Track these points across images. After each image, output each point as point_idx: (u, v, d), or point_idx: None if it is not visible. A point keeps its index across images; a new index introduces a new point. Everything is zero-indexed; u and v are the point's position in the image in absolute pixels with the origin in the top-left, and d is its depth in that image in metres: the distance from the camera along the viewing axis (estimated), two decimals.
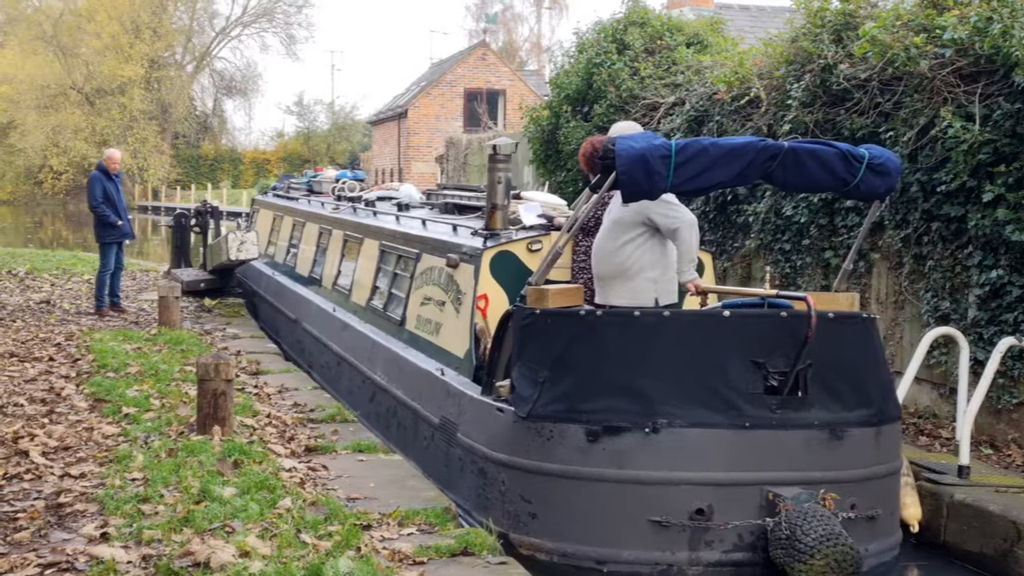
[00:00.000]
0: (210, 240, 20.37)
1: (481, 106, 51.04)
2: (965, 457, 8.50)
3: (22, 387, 10.70)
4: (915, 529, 8.38)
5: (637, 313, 7.63)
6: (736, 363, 7.39)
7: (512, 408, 7.77)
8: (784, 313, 7.60)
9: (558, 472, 7.45)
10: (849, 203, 11.44)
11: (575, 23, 70.85)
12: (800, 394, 7.45)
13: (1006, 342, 8.65)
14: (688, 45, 16.84)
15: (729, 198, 13.61)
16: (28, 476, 7.63)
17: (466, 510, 8.13)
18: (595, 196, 7.97)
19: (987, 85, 9.72)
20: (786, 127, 12.10)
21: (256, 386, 11.29)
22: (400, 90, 66.86)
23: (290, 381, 11.80)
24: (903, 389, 9.22)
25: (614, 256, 8.25)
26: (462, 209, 11.93)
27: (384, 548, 6.46)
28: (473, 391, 8.68)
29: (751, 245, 13.22)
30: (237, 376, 10.72)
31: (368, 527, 6.84)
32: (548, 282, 8.24)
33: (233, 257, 17.33)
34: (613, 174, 7.43)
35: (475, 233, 9.91)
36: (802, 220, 12.15)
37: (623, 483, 7.29)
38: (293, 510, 6.90)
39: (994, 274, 9.61)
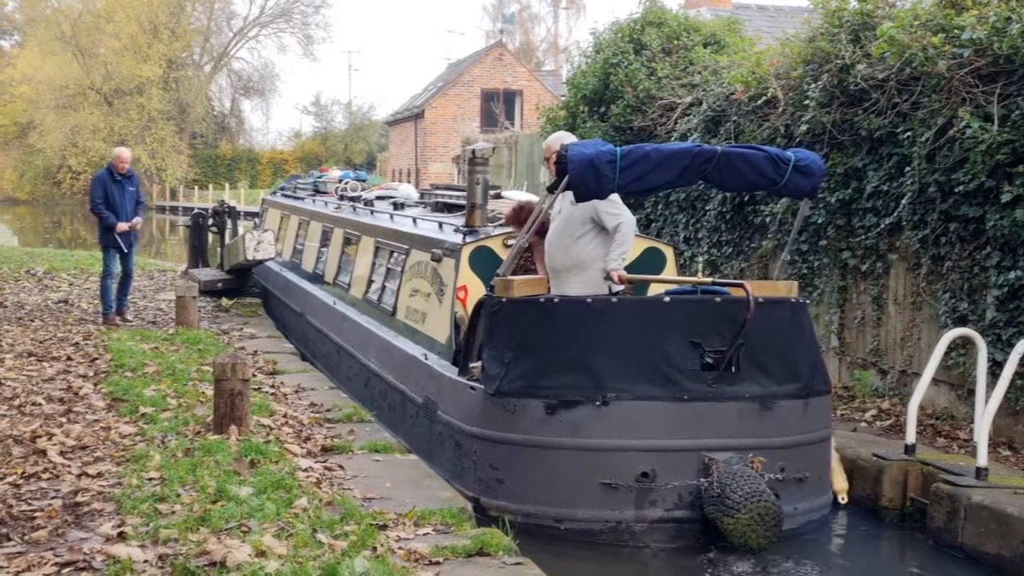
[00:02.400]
0: (227, 240, 20.42)
1: (498, 106, 50.96)
2: (983, 459, 8.46)
3: (40, 386, 10.73)
4: (843, 500, 9.19)
5: (589, 300, 8.57)
6: (676, 343, 8.40)
7: (482, 386, 8.68)
8: (719, 299, 8.64)
9: (521, 442, 8.43)
10: (867, 204, 11.44)
11: (592, 23, 70.85)
12: (733, 370, 8.45)
13: None
14: (705, 45, 16.82)
15: (746, 199, 13.59)
16: (46, 475, 7.65)
17: (446, 479, 8.73)
18: (552, 197, 8.82)
19: (1006, 85, 9.68)
20: (803, 127, 12.08)
21: (273, 386, 11.31)
22: (417, 90, 66.90)
23: (307, 381, 11.81)
24: (920, 390, 9.20)
25: (568, 250, 9.18)
26: (451, 208, 12.79)
27: (400, 548, 6.46)
28: (451, 373, 9.52)
29: (768, 245, 13.20)
30: (254, 376, 10.73)
31: (384, 527, 6.84)
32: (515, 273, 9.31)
33: (250, 257, 17.36)
34: (567, 177, 8.31)
35: (456, 230, 10.81)
36: (819, 221, 12.13)
37: (577, 450, 8.27)
38: (309, 510, 6.90)
39: (1012, 275, 9.58)
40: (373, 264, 13.06)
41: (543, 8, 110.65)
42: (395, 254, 12.21)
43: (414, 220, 12.38)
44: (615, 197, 8.96)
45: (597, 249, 9.09)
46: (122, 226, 15.29)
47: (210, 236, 21.64)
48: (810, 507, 8.67)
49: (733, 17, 18.91)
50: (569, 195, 8.76)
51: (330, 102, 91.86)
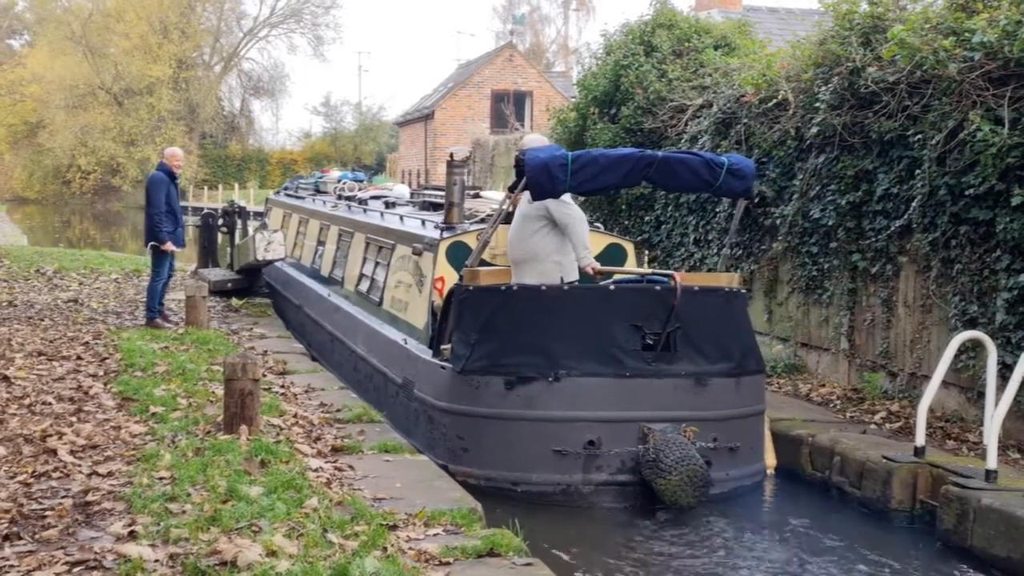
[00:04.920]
0: (237, 240, 20.45)
1: (508, 107, 51.00)
2: (992, 461, 8.47)
3: (50, 386, 10.76)
4: (770, 472, 10.29)
5: (544, 288, 9.67)
6: (620, 326, 9.51)
7: (451, 365, 9.68)
8: (658, 287, 9.69)
9: (484, 414, 9.47)
10: (877, 206, 11.44)
11: (602, 25, 70.82)
12: (671, 351, 9.55)
13: None
14: (716, 47, 16.81)
15: (756, 201, 13.58)
16: (56, 474, 7.67)
17: (419, 450, 9.58)
18: (511, 196, 10.03)
19: (1016, 88, 9.67)
20: (814, 130, 12.08)
21: (283, 386, 11.32)
22: (427, 91, 66.97)
23: (317, 381, 11.83)
24: (930, 393, 9.20)
25: (525, 243, 10.22)
26: (437, 206, 13.55)
27: (410, 548, 6.47)
28: (427, 355, 10.48)
29: (778, 248, 13.19)
30: (264, 376, 10.76)
31: (394, 527, 6.85)
32: (482, 263, 10.50)
33: (260, 257, 17.39)
34: (524, 178, 9.43)
35: (436, 226, 11.72)
36: (829, 223, 12.13)
37: (532, 421, 9.34)
38: (320, 510, 6.92)
39: (1022, 278, 9.57)
40: (364, 259, 13.96)
41: (553, 9, 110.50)
42: (383, 249, 13.13)
43: (401, 218, 13.24)
44: (565, 197, 10.04)
45: (551, 244, 10.15)
46: (169, 246, 15.14)
47: (220, 236, 21.67)
48: (741, 474, 9.74)
49: (743, 19, 18.89)
50: (527, 194, 9.85)
51: (340, 103, 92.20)
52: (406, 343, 11.19)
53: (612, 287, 9.89)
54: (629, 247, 12.00)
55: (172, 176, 15.28)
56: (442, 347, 10.15)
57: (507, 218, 10.72)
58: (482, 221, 11.70)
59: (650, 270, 11.57)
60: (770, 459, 10.35)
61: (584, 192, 10.28)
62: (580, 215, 10.26)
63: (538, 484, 9.25)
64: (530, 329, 9.48)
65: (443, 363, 9.94)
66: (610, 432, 9.28)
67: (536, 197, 9.78)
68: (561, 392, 9.34)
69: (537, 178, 9.37)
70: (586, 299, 9.68)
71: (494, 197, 12.96)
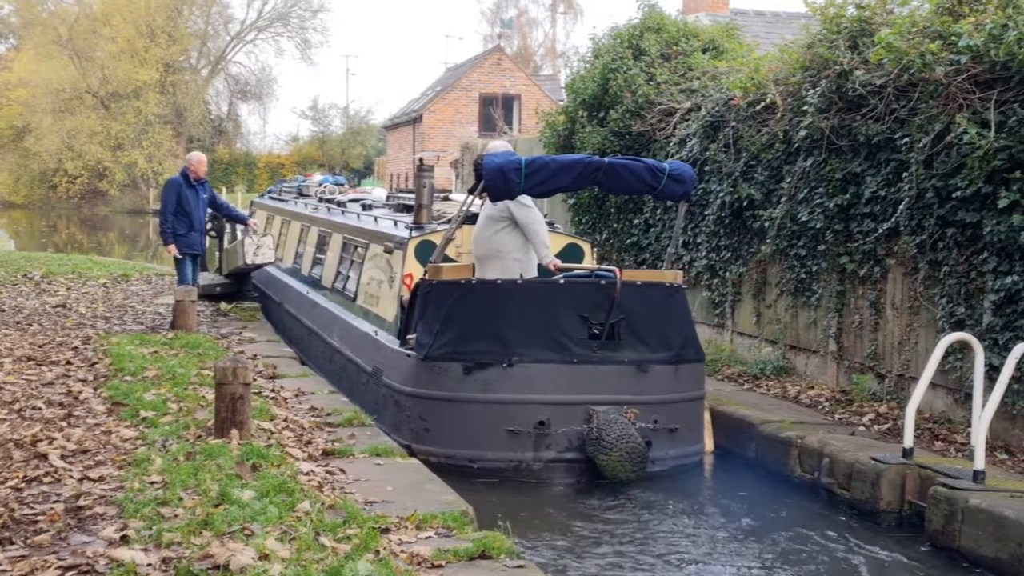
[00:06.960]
0: (226, 244, 20.41)
1: (496, 111, 50.96)
2: (980, 462, 8.51)
3: (40, 390, 10.73)
4: (707, 454, 11.13)
5: (499, 282, 10.53)
6: (568, 317, 10.36)
7: (415, 353, 10.51)
8: (602, 281, 10.55)
9: (444, 397, 10.36)
10: (865, 209, 11.49)
11: (590, 28, 70.89)
12: (615, 339, 10.42)
13: (1021, 347, 8.65)
14: (704, 51, 16.85)
15: (745, 204, 13.63)
16: (47, 479, 7.65)
17: (386, 431, 10.30)
18: (470, 197, 10.87)
19: (1002, 92, 9.73)
20: (802, 133, 12.12)
21: (273, 390, 11.30)
22: (415, 95, 66.89)
23: (307, 385, 11.82)
24: (918, 394, 9.24)
25: (488, 242, 11.12)
26: (410, 208, 14.02)
27: (402, 551, 6.48)
28: (394, 345, 11.31)
29: (766, 250, 13.23)
30: (254, 380, 10.75)
31: (386, 530, 6.86)
32: (445, 259, 11.27)
33: (249, 261, 17.36)
34: (482, 181, 10.24)
35: (406, 227, 12.51)
36: (818, 226, 12.17)
37: (488, 404, 10.21)
38: (312, 513, 6.92)
39: (1009, 280, 9.62)
40: (341, 257, 14.80)
41: (541, 12, 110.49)
42: (358, 248, 13.98)
43: (375, 219, 14.01)
44: (526, 200, 10.95)
45: (512, 242, 11.03)
46: (172, 250, 15.28)
47: (208, 240, 21.62)
48: (680, 453, 10.61)
49: (731, 23, 18.90)
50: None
51: (328, 106, 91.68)
52: (376, 335, 11.99)
53: (561, 281, 10.73)
54: (586, 246, 12.96)
55: (189, 181, 15.43)
56: (408, 337, 10.93)
57: (471, 218, 11.55)
58: (449, 221, 12.20)
59: (598, 266, 12.52)
60: (708, 443, 11.19)
61: (537, 194, 10.84)
62: (539, 216, 11.13)
63: (492, 461, 10.14)
64: (487, 319, 10.34)
65: (408, 351, 10.75)
66: (558, 413, 10.13)
67: (493, 199, 10.61)
68: (514, 377, 10.20)
69: (493, 181, 10.18)
70: (537, 292, 10.56)
71: (460, 198, 13.63)
